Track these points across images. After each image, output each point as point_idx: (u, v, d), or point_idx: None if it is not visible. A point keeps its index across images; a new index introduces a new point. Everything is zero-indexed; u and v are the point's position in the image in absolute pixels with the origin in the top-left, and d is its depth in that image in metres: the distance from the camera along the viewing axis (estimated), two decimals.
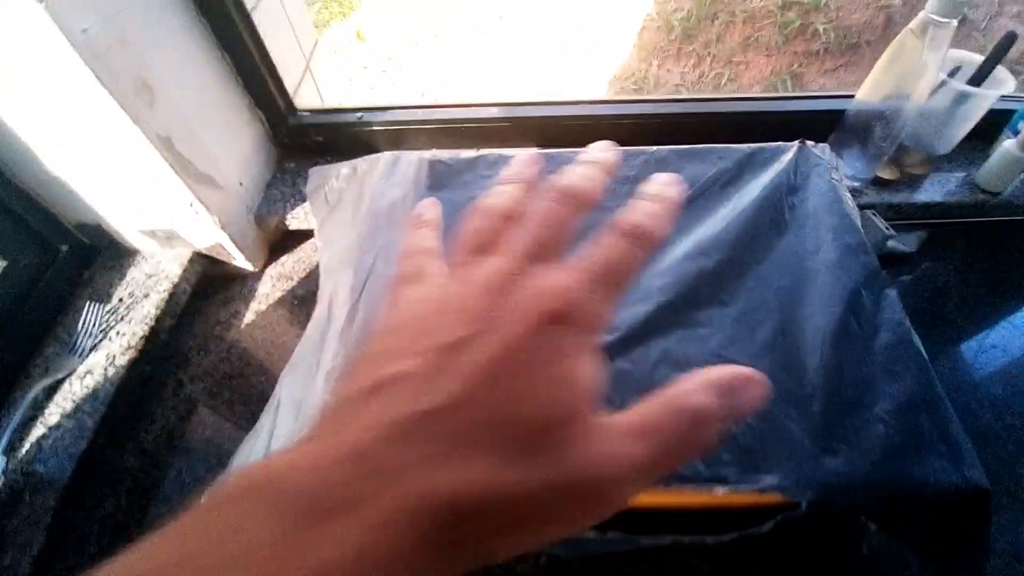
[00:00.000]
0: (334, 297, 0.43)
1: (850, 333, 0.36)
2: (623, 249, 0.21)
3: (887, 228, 0.55)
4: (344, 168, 0.53)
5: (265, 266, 0.65)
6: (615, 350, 0.38)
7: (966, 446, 0.33)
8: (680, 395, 0.19)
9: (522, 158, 0.26)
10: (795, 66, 2.24)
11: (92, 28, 0.42)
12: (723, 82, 2.29)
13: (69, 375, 0.52)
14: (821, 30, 2.17)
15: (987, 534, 0.34)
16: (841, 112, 0.61)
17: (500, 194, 0.24)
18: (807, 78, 2.22)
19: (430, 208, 0.28)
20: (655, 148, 0.49)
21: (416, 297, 0.22)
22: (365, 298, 0.41)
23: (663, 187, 0.23)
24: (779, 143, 0.48)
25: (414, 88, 2.50)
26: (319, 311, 0.44)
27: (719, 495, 0.31)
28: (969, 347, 0.56)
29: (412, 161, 0.50)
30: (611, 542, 0.32)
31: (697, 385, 0.19)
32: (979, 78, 0.56)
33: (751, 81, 2.28)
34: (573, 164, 0.27)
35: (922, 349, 0.35)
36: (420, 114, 0.66)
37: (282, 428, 0.38)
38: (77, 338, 0.54)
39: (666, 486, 0.31)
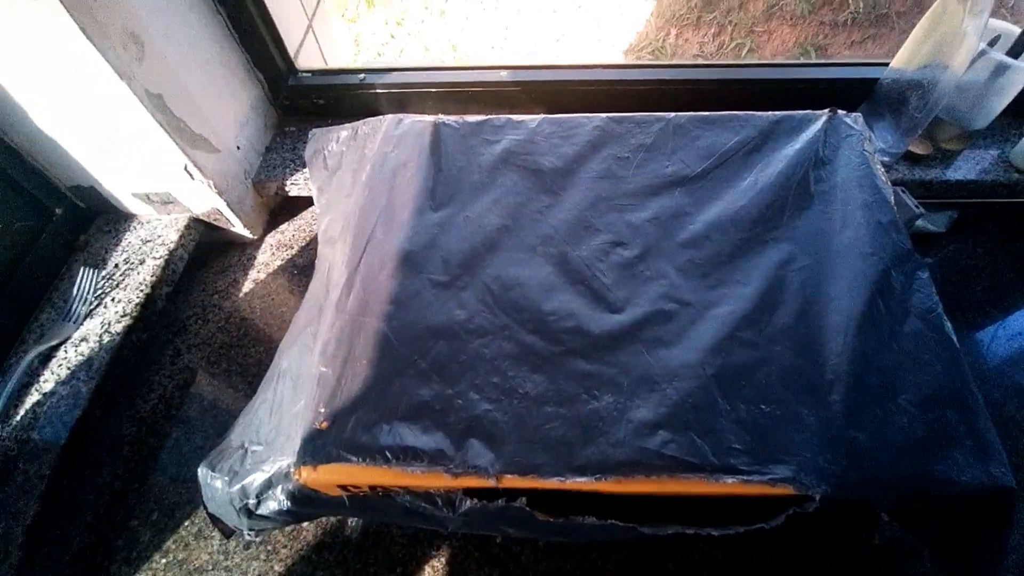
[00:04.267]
0: (332, 266, 0.41)
1: (877, 317, 0.33)
2: None
3: (916, 207, 0.51)
4: (344, 131, 0.50)
5: (264, 234, 0.63)
6: (623, 330, 0.36)
7: (994, 441, 0.31)
8: None
9: None
10: (820, 37, 2.14)
11: None
12: (744, 53, 2.20)
13: (64, 342, 0.51)
14: None
15: (1007, 532, 0.32)
16: (873, 81, 0.57)
17: None
18: (833, 50, 2.12)
19: None
20: (673, 114, 0.46)
21: None
22: (363, 266, 0.39)
23: None
24: (807, 111, 0.45)
25: (423, 56, 2.43)
26: (317, 281, 0.42)
27: (728, 485, 0.29)
28: (995, 333, 0.53)
29: (416, 124, 0.48)
30: (611, 529, 0.30)
31: None
32: (1018, 50, 0.52)
33: (773, 52, 2.19)
34: None
35: (954, 337, 0.33)
36: (425, 76, 0.63)
37: (281, 399, 0.37)
38: (72, 304, 0.53)
39: (672, 474, 0.30)
